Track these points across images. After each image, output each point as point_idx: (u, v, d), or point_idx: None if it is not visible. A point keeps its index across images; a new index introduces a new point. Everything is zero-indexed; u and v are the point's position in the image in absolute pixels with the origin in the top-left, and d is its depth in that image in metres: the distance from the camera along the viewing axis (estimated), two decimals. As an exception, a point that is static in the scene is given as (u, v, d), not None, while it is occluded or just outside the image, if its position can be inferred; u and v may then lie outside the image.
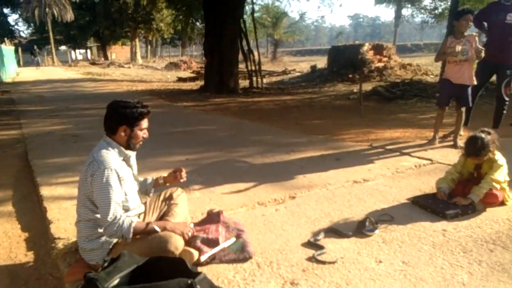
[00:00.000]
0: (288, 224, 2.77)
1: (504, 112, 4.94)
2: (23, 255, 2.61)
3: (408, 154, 4.41)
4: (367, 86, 10.84)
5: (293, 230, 2.66)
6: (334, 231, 2.59)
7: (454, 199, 2.84)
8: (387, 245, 2.40)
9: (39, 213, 3.27)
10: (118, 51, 51.39)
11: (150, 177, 2.58)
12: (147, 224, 2.13)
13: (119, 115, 2.16)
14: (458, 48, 4.31)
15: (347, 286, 1.99)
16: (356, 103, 8.64)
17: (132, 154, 2.31)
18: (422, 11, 18.12)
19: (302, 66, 24.72)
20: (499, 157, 2.92)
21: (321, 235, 2.52)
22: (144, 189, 2.51)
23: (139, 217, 2.35)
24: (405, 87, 10.26)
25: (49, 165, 4.42)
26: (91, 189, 2.06)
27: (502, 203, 2.87)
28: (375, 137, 5.38)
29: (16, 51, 33.32)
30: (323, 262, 2.22)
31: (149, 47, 50.40)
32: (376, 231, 2.54)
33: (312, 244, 2.43)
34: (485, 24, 4.94)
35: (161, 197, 2.59)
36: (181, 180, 2.53)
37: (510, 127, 5.43)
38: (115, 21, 38.37)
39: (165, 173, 2.60)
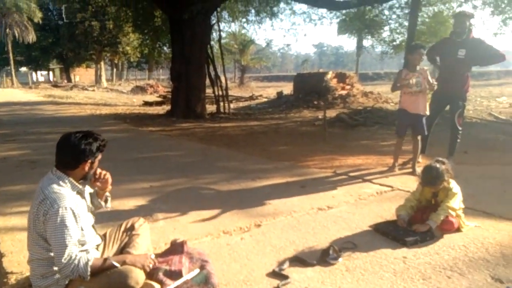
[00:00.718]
0: (253, 253, 2.75)
1: (458, 140, 5.22)
2: (-30, 293, 2.44)
3: (370, 181, 4.54)
4: (332, 113, 11.16)
5: (258, 260, 2.65)
6: (299, 260, 2.60)
7: (414, 226, 2.94)
8: (350, 273, 2.43)
9: (-10, 246, 3.07)
10: (82, 74, 50.28)
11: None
12: (105, 260, 2.04)
13: (84, 151, 2.07)
14: (413, 80, 4.58)
15: (311, 317, 1.99)
16: (321, 129, 8.84)
17: (86, 188, 2.23)
18: (382, 42, 19.17)
19: (269, 91, 25.15)
20: (454, 185, 3.07)
21: (286, 264, 2.53)
22: (97, 208, 2.42)
23: (97, 248, 2.27)
24: (367, 114, 10.65)
25: (3, 193, 4.20)
26: (45, 228, 1.96)
27: (458, 230, 3.00)
28: (339, 164, 5.51)
29: (-27, 72, 31.90)
30: (288, 293, 2.22)
31: (114, 70, 49.73)
32: (340, 260, 2.58)
33: (277, 274, 2.43)
34: (438, 58, 5.27)
35: (122, 228, 2.51)
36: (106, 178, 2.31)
37: (464, 155, 5.73)
38: (79, 43, 37.71)
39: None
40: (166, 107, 14.69)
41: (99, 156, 2.18)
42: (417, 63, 4.72)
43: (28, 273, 2.36)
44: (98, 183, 2.28)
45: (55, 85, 36.98)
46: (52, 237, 1.93)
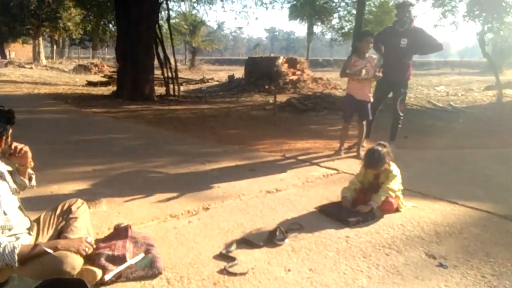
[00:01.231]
0: (201, 236, 2.73)
1: (399, 126, 5.49)
2: None
3: (317, 164, 4.66)
4: (282, 98, 11.27)
5: (206, 243, 2.63)
6: (246, 242, 2.62)
7: (358, 208, 3.06)
8: (296, 253, 2.49)
9: None
10: (18, 50, 46.55)
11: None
12: (35, 246, 1.92)
13: None
14: (363, 71, 4.73)
15: (257, 297, 2.02)
16: (271, 113, 8.92)
17: (3, 167, 2.07)
18: (331, 29, 19.61)
19: (221, 75, 24.88)
20: (394, 168, 3.22)
21: (233, 247, 2.53)
22: (22, 187, 2.26)
23: (29, 233, 2.12)
24: (316, 100, 10.90)
25: None
26: None
27: (397, 210, 3.17)
28: (288, 148, 5.59)
29: None
30: (234, 274, 2.22)
31: (55, 47, 46.57)
32: (286, 240, 2.62)
33: (224, 256, 2.43)
34: (382, 47, 5.48)
35: (58, 211, 2.36)
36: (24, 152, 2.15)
37: (405, 139, 6.05)
38: (14, 16, 34.71)
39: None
40: (112, 88, 14.05)
41: (11, 130, 2.04)
42: (365, 50, 4.86)
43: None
44: (15, 159, 2.12)
45: (-13, 62, 33.99)
46: None
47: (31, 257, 1.87)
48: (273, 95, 10.46)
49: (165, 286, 2.11)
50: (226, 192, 3.66)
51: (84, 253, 2.01)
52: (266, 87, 14.60)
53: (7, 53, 42.87)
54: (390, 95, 5.60)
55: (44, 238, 2.21)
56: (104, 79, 17.95)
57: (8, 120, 1.97)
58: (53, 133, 6.37)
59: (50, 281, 1.73)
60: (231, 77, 18.30)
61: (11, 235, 1.93)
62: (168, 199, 3.44)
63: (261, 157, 5.07)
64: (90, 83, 16.88)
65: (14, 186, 2.15)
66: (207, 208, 3.25)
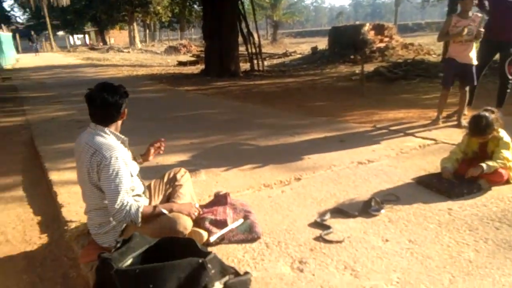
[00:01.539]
0: (294, 205, 2.80)
1: (508, 90, 4.92)
2: (37, 238, 2.67)
3: (412, 134, 4.42)
4: (369, 67, 10.77)
5: (300, 211, 2.70)
6: (340, 212, 2.63)
7: (468, 171, 2.83)
8: (393, 224, 2.44)
9: (49, 198, 3.32)
10: (117, 36, 50.83)
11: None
12: (154, 207, 2.16)
13: (116, 103, 2.13)
14: (465, 30, 4.29)
15: (354, 264, 2.04)
16: (358, 84, 8.61)
17: (126, 138, 2.30)
18: (424, -11, 17.89)
19: (303, 47, 24.49)
20: (504, 135, 2.93)
21: (328, 216, 2.56)
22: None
23: (146, 196, 2.38)
24: (408, 67, 10.19)
25: (55, 150, 4.45)
26: (98, 177, 2.07)
27: (507, 182, 2.89)
28: (378, 118, 5.38)
29: (14, 37, 32.96)
30: (330, 241, 2.26)
31: (147, 31, 49.86)
32: (382, 211, 2.58)
33: (319, 224, 2.48)
34: (487, 3, 4.89)
35: (165, 179, 2.60)
36: (161, 152, 2.57)
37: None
38: (112, 5, 37.81)
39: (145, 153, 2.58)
40: (200, 67, 14.71)
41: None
42: (468, 8, 4.40)
43: (85, 221, 2.56)
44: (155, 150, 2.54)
45: (92, 48, 37.75)
46: (105, 185, 2.05)
47: (150, 216, 2.12)
48: (359, 65, 10.07)
49: (264, 249, 2.23)
50: (316, 163, 3.68)
51: (193, 216, 2.21)
52: (352, 57, 14.01)
53: (107, 39, 47.05)
54: (496, 56, 5.03)
55: (155, 203, 2.47)
56: (192, 59, 18.85)
57: (126, 94, 2.21)
58: (152, 110, 6.93)
59: (166, 239, 1.95)
60: (314, 49, 17.91)
61: (135, 196, 2.20)
62: (261, 170, 3.57)
63: (350, 128, 4.96)
64: (180, 63, 17.87)
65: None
66: (299, 179, 3.31)
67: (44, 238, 2.67)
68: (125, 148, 2.25)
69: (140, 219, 2.07)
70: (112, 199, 2.04)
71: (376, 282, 1.87)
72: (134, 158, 2.47)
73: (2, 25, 29.56)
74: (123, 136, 2.25)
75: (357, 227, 2.43)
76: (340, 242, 2.25)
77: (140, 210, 2.07)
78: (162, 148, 2.56)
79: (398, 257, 2.08)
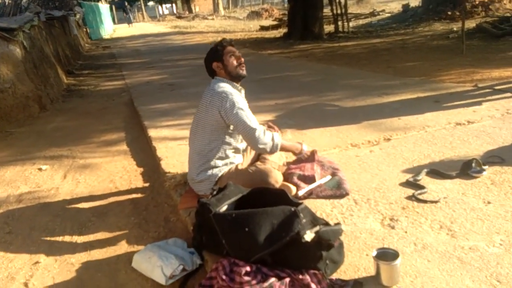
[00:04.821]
0: (384, 164, 2.72)
1: None
2: (141, 186, 2.96)
3: (521, 94, 3.95)
4: (470, 23, 9.70)
5: (390, 171, 2.61)
6: (436, 172, 2.49)
7: None
8: (497, 187, 2.25)
9: (149, 152, 3.64)
10: (201, 4, 52.02)
11: None
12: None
13: (207, 58, 2.38)
14: None
15: (451, 224, 1.93)
16: (456, 42, 7.83)
17: (242, 88, 2.42)
18: None
19: (392, 6, 22.66)
20: None
21: (421, 176, 2.44)
22: None
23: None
24: (517, 21, 8.94)
25: (152, 110, 4.83)
26: (227, 118, 2.21)
27: None
28: (480, 77, 4.88)
29: (111, 9, 35.54)
30: (424, 201, 2.17)
31: (230, -3, 50.17)
32: (484, 173, 2.38)
33: (412, 184, 2.38)
34: None
35: None
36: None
37: None
38: (198, -28, 38.52)
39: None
40: (283, 30, 14.51)
41: (228, 54, 2.34)
42: None
43: (182, 172, 2.78)
44: None
45: (179, 17, 39.23)
46: (239, 124, 2.21)
47: (283, 146, 2.37)
48: (457, 21, 9.10)
49: (353, 205, 2.22)
50: (408, 123, 3.49)
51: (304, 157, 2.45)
52: (449, 13, 12.66)
53: (193, 8, 48.44)
54: None
55: (247, 158, 2.57)
56: (274, 23, 18.62)
57: (222, 45, 2.35)
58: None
59: (258, 189, 2.03)
60: (405, 6, 16.51)
61: (234, 148, 2.39)
62: (347, 130, 3.49)
63: (447, 88, 4.57)
64: (263, 28, 17.77)
65: None
66: (389, 139, 3.18)
67: (146, 187, 2.96)
68: (242, 97, 2.39)
69: (279, 148, 2.30)
70: (251, 131, 2.20)
71: (476, 243, 1.76)
72: None
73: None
74: (238, 85, 2.40)
75: (455, 188, 2.28)
76: (435, 202, 2.14)
77: (280, 142, 2.30)
78: (275, 128, 2.72)
79: (501, 220, 1.92)
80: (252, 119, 2.23)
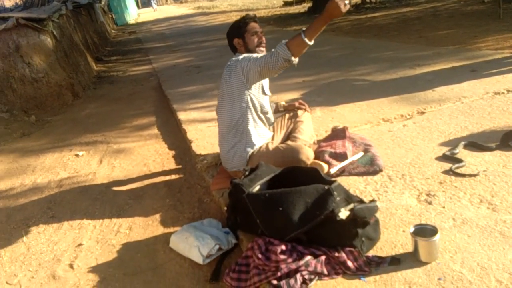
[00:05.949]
0: (419, 139, 2.64)
1: None
2: (173, 169, 3.02)
3: None
4: (508, -15, 9.08)
5: (425, 145, 2.53)
6: (474, 145, 2.39)
7: None
8: (542, 158, 2.14)
9: (179, 134, 3.69)
10: (223, -18, 51.32)
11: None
12: (295, 36, 2.05)
13: (229, 33, 2.39)
14: None
15: (492, 198, 1.86)
16: (492, 6, 7.39)
17: None
18: None
19: (422, -29, 21.62)
20: None
21: (459, 149, 2.36)
22: None
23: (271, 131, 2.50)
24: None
25: (180, 93, 4.87)
26: (242, 68, 2.18)
27: None
28: (520, 43, 4.61)
29: (134, -6, 35.67)
30: (463, 175, 2.09)
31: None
32: (526, 144, 2.27)
33: (448, 158, 2.30)
34: None
35: (287, 116, 2.68)
36: (304, 108, 2.73)
37: None
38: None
39: (283, 101, 2.81)
40: (307, 5, 14.15)
41: (250, 31, 2.32)
42: None
43: (212, 153, 2.81)
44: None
45: (201, -3, 38.91)
46: (251, 63, 2.15)
47: (296, 44, 2.03)
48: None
49: (387, 181, 2.17)
50: (443, 95, 3.35)
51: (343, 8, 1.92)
52: (485, -25, 11.93)
53: (214, -13, 47.72)
54: None
55: (278, 138, 2.56)
56: (298, -3, 18.18)
57: (244, 22, 2.33)
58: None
59: (290, 168, 2.02)
60: (436, -29, 15.67)
61: (264, 112, 2.41)
62: (378, 104, 3.40)
63: (484, 56, 4.34)
64: (286, 3, 17.41)
65: None
66: (423, 112, 3.08)
67: (179, 169, 3.01)
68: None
69: (290, 51, 2.02)
70: (259, 58, 2.14)
71: (519, 217, 1.70)
72: (276, 105, 2.76)
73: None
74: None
75: (495, 160, 2.19)
76: (474, 175, 2.07)
77: (283, 42, 2.06)
78: (305, 106, 2.73)
79: (548, 193, 1.84)
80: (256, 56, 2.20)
